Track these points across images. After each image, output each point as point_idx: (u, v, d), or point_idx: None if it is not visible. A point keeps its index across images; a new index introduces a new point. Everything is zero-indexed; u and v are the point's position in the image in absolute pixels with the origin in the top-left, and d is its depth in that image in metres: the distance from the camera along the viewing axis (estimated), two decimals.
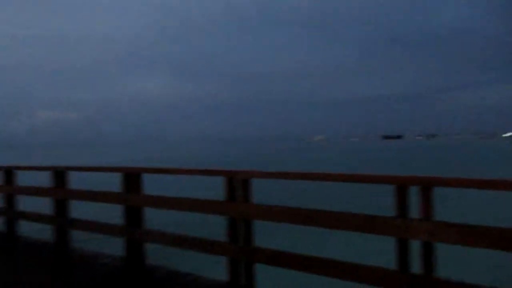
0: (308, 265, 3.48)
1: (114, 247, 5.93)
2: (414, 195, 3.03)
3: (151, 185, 5.68)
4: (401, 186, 3.06)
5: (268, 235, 5.57)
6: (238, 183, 3.87)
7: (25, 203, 7.11)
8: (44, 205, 6.60)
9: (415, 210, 3.00)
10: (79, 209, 6.27)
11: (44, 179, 6.34)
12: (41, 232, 7.00)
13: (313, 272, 3.47)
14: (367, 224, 3.15)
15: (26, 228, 7.09)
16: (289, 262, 3.60)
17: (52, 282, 4.54)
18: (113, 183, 5.43)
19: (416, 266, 3.00)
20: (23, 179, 7.09)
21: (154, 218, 5.77)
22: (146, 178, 4.85)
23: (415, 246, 3.01)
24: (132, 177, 4.90)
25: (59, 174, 5.93)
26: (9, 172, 7.00)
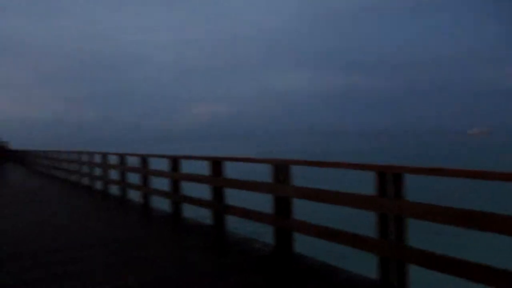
0: (468, 272, 3.18)
1: (265, 234, 6.29)
2: None
3: (301, 177, 5.84)
4: None
5: (420, 235, 5.24)
6: (389, 178, 3.73)
7: (188, 189, 8.01)
8: (203, 191, 7.34)
9: None
10: (233, 196, 6.80)
11: (203, 168, 7.04)
12: (201, 215, 7.81)
13: (473, 280, 3.15)
14: None
15: (189, 211, 7.98)
16: (445, 266, 3.34)
17: (212, 260, 5.03)
18: (264, 173, 5.75)
19: None
20: (186, 167, 7.98)
21: (301, 209, 5.93)
22: (295, 170, 5.02)
23: None
24: (281, 169, 5.11)
25: (217, 163, 6.51)
26: (175, 161, 7.95)
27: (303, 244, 5.45)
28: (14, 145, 41.08)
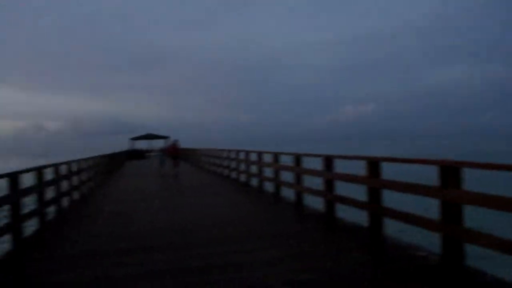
0: None
1: (429, 241, 5.78)
2: None
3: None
4: None
5: None
6: None
7: (342, 189, 7.88)
8: (358, 192, 7.12)
9: None
10: (393, 198, 6.43)
11: (357, 168, 6.83)
12: (355, 216, 7.58)
13: None
14: None
15: (343, 211, 7.83)
16: None
17: (368, 264, 4.80)
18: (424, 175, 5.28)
19: None
20: (340, 166, 7.85)
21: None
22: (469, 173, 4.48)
23: None
24: (450, 171, 4.61)
25: (374, 164, 6.22)
26: (329, 160, 7.88)
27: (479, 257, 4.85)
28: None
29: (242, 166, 15.30)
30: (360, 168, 6.67)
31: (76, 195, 12.09)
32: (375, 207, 6.18)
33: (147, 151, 48.69)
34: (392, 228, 6.56)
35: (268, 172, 12.27)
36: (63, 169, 10.72)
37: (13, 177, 6.62)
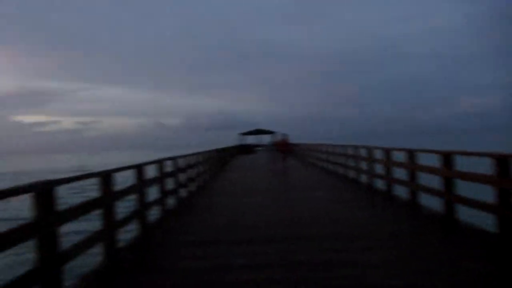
0: None
1: None
2: None
3: None
4: None
5: None
6: None
7: (462, 188, 7.21)
8: (483, 192, 6.45)
9: None
10: None
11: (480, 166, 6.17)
12: (480, 219, 6.90)
13: None
14: None
15: (465, 213, 7.17)
16: None
17: (496, 275, 4.30)
18: None
19: None
20: (462, 163, 7.19)
21: None
22: None
23: None
24: None
25: (504, 162, 5.56)
26: (448, 157, 7.25)
27: None
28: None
29: (351, 162, 14.92)
30: (484, 166, 6.03)
31: (192, 186, 12.94)
32: (506, 211, 5.52)
33: (256, 145, 50.17)
34: None
35: (379, 168, 11.78)
36: (181, 162, 11.54)
37: (139, 168, 7.30)
